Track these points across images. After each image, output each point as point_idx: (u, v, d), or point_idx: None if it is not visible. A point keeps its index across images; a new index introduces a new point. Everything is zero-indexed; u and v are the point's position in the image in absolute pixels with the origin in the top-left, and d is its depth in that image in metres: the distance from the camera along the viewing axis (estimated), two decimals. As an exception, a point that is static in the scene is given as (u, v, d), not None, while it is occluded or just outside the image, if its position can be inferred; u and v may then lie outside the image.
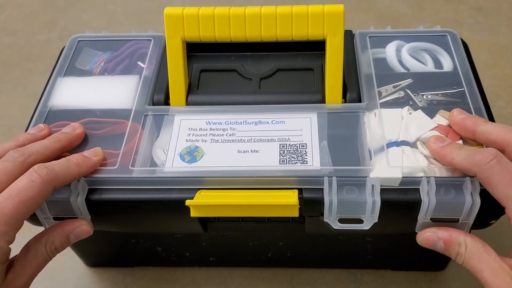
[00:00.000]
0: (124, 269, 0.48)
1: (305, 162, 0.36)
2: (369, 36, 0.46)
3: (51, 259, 0.35)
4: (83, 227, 0.36)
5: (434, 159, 0.35)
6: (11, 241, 0.32)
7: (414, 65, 0.43)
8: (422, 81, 0.41)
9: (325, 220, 0.35)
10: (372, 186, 0.34)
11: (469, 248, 0.33)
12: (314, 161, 0.36)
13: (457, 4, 0.74)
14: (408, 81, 0.41)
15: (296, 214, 0.35)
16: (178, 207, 0.35)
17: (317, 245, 0.44)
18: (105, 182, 0.36)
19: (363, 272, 0.47)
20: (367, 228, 0.35)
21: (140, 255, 0.48)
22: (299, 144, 0.37)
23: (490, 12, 0.72)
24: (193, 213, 0.35)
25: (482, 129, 0.35)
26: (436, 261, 0.45)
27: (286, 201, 0.34)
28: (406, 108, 0.39)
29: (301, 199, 0.35)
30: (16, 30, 0.76)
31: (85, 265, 0.50)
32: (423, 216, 0.34)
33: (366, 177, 0.35)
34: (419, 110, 0.39)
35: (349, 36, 0.46)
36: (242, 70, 0.44)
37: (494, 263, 0.31)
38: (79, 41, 0.48)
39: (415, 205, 0.34)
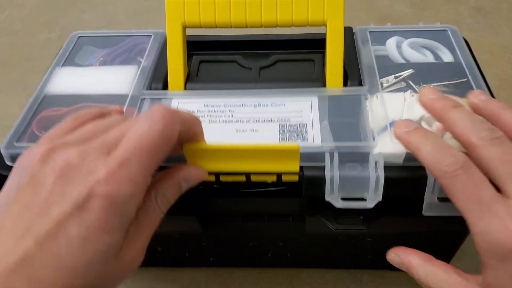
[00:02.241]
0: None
1: (306, 140, 0.35)
2: (369, 31, 0.46)
3: (164, 214, 0.29)
4: (196, 171, 0.30)
5: (441, 136, 0.34)
6: (139, 204, 0.26)
7: (416, 58, 0.43)
8: (423, 72, 0.41)
9: (326, 199, 0.34)
10: (376, 162, 0.33)
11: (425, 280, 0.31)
12: (315, 138, 0.35)
13: (457, 4, 0.74)
14: (410, 71, 0.41)
15: (296, 169, 0.32)
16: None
17: (317, 245, 0.43)
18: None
19: (363, 272, 0.46)
20: (371, 206, 0.33)
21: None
22: (300, 124, 0.36)
23: (490, 12, 0.73)
24: (189, 160, 0.31)
25: (448, 116, 0.30)
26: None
27: (287, 148, 0.32)
28: (409, 91, 0.38)
29: (301, 177, 0.33)
30: (16, 30, 0.76)
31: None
32: (430, 195, 0.33)
33: (369, 153, 0.33)
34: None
35: (349, 32, 0.46)
36: (242, 61, 0.44)
37: None
38: (79, 37, 0.48)
39: (421, 182, 0.33)
